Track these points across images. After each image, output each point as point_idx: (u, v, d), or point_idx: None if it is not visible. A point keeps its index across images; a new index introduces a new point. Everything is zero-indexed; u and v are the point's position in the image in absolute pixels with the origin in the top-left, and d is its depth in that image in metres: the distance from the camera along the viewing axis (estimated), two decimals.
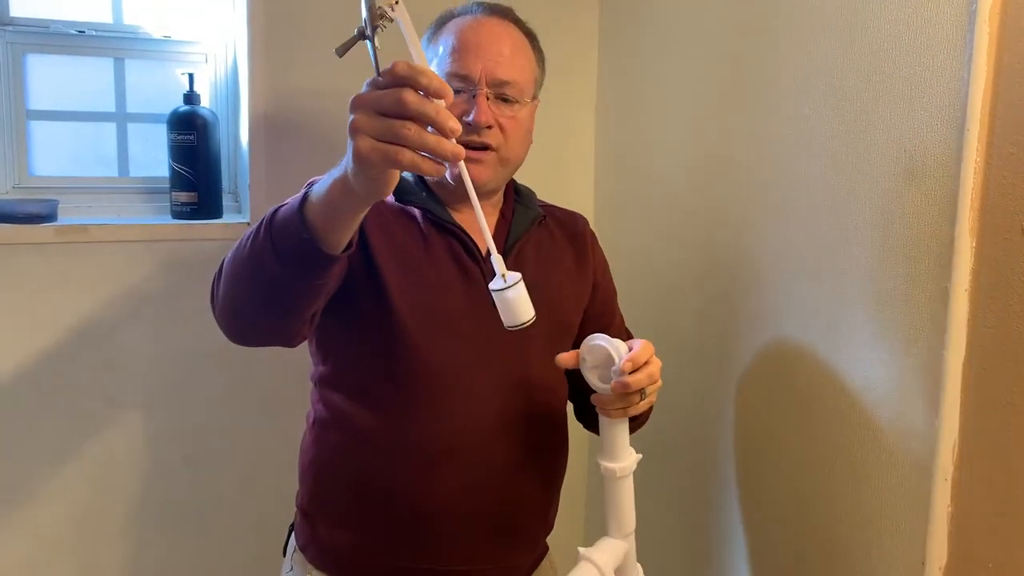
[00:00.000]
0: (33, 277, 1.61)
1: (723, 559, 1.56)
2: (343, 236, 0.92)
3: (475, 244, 1.20)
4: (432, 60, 1.19)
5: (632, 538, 1.18)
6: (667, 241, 1.71)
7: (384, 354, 1.15)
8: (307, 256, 0.91)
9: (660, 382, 1.11)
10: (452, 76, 1.16)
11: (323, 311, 1.09)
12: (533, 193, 1.35)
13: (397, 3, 0.82)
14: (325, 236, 0.90)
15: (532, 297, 1.07)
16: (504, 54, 1.18)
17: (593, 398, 1.09)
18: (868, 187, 1.20)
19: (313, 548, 1.22)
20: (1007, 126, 1.02)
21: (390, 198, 1.20)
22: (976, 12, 1.03)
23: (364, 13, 0.81)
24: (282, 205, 0.95)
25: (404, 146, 0.77)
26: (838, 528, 1.27)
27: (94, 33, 1.72)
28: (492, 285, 0.92)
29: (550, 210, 1.35)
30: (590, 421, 1.31)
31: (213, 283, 1.05)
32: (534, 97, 1.25)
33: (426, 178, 1.24)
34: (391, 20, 0.81)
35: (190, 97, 1.73)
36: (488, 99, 1.16)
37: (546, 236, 1.31)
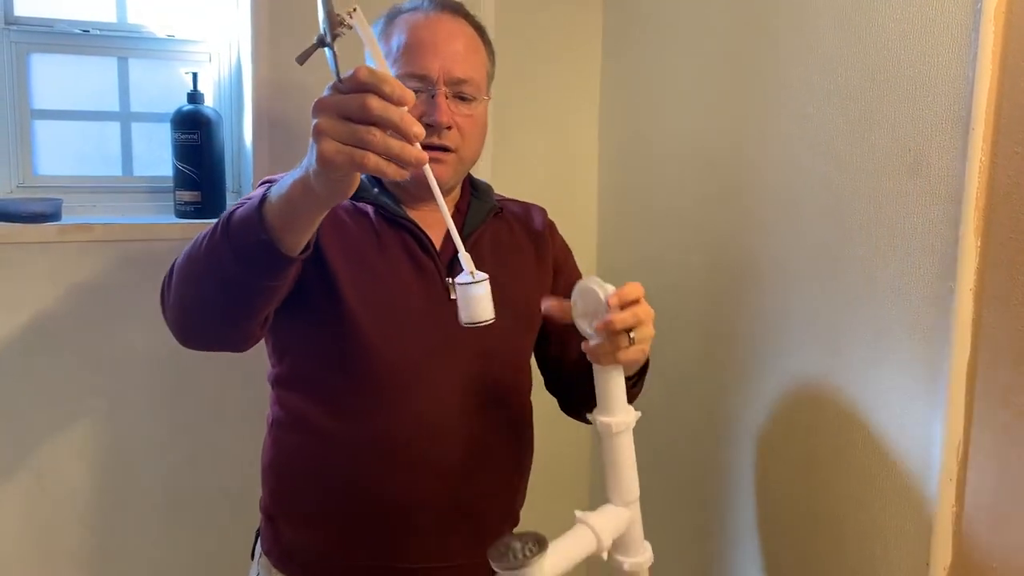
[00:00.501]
0: (37, 276, 1.61)
1: (727, 559, 1.56)
2: (302, 237, 0.92)
3: (429, 239, 1.19)
4: (386, 55, 1.17)
5: (636, 507, 1.12)
6: (670, 240, 1.71)
7: (338, 352, 1.14)
8: (264, 256, 0.91)
9: (652, 331, 1.05)
10: (408, 76, 1.14)
11: (277, 311, 1.08)
12: (490, 187, 1.33)
13: (355, 10, 0.83)
14: (283, 237, 0.90)
15: (493, 297, 1.08)
16: (459, 51, 1.17)
17: (584, 346, 1.04)
18: (872, 186, 1.20)
19: (277, 551, 1.21)
20: (1012, 125, 1.01)
21: None
22: (981, 11, 1.02)
23: (322, 20, 0.82)
24: (239, 205, 0.95)
25: (368, 150, 0.79)
26: (842, 529, 1.27)
27: (98, 32, 1.72)
28: (458, 279, 0.91)
29: (507, 204, 1.34)
30: (575, 408, 1.29)
31: (164, 284, 1.05)
32: (488, 92, 1.25)
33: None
34: (349, 27, 0.82)
35: (194, 96, 1.73)
36: (447, 98, 1.15)
37: (504, 228, 1.29)
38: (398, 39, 1.17)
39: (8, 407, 1.62)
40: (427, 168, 0.86)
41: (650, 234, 1.78)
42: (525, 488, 1.32)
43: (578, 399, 1.20)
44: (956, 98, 1.06)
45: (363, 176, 1.22)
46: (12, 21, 1.66)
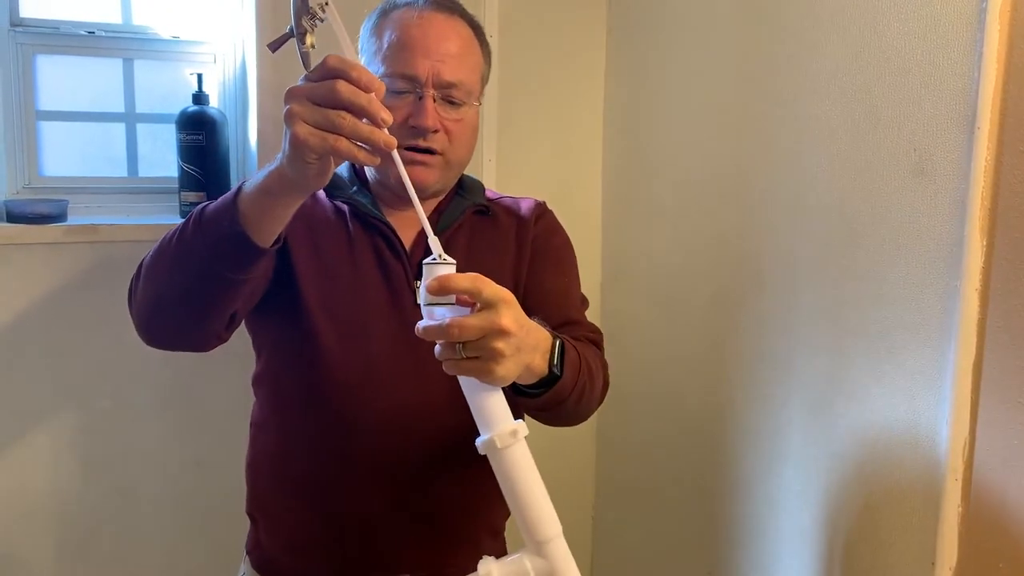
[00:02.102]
0: (43, 277, 1.61)
1: (730, 559, 1.56)
2: (274, 227, 0.93)
3: (400, 242, 1.16)
4: (375, 55, 1.15)
5: (556, 547, 0.88)
6: (675, 240, 1.71)
7: (298, 354, 1.12)
8: (236, 247, 0.92)
9: (492, 352, 0.83)
10: (397, 76, 1.11)
11: (251, 309, 1.09)
12: (479, 185, 1.28)
13: (327, 4, 0.85)
14: (257, 226, 0.91)
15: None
16: (452, 53, 1.13)
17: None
18: (877, 186, 1.20)
19: (257, 552, 1.21)
20: (1017, 124, 1.01)
21: (322, 194, 1.18)
22: (986, 11, 1.02)
23: (294, 12, 0.85)
24: (207, 204, 0.96)
25: (339, 134, 0.80)
26: (848, 528, 1.27)
27: (103, 34, 1.72)
28: (426, 260, 0.86)
29: (500, 200, 1.28)
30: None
31: (131, 283, 1.05)
32: (480, 96, 1.21)
33: (367, 175, 1.21)
34: (321, 20, 0.85)
35: (199, 97, 1.73)
36: (435, 101, 1.12)
37: (487, 227, 1.23)
38: (389, 36, 1.14)
39: (11, 406, 1.63)
40: (395, 153, 0.85)
41: (654, 234, 1.78)
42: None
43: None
44: (961, 98, 1.06)
45: (343, 173, 1.21)
46: (18, 23, 1.66)
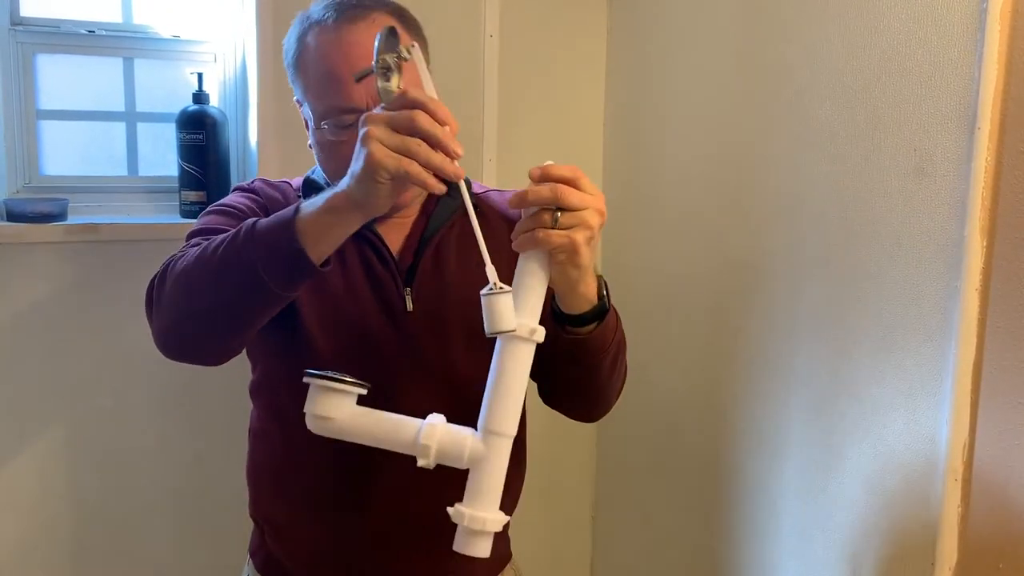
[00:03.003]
0: (44, 276, 1.62)
1: (731, 559, 1.56)
2: (330, 247, 0.94)
3: (387, 248, 1.14)
4: (306, 92, 1.11)
5: (500, 443, 0.91)
6: (676, 240, 1.71)
7: (296, 366, 1.09)
8: (292, 262, 0.92)
9: (591, 221, 0.91)
10: (336, 111, 1.06)
11: None
12: (467, 182, 1.26)
13: (414, 46, 0.90)
14: (314, 244, 0.92)
15: (451, 293, 1.07)
16: None
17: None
18: (877, 186, 1.20)
19: (260, 555, 1.21)
20: (1018, 124, 1.01)
21: (302, 200, 1.17)
22: (987, 10, 1.02)
23: (376, 50, 0.89)
24: (257, 220, 0.95)
25: (413, 159, 0.84)
26: (848, 528, 1.27)
27: (104, 33, 1.72)
28: (482, 291, 0.90)
29: (488, 195, 1.24)
30: (556, 398, 1.19)
31: (152, 289, 1.02)
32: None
33: None
34: (405, 59, 0.90)
35: (199, 96, 1.73)
36: None
37: (479, 224, 1.22)
38: (313, 69, 1.08)
39: (13, 405, 1.63)
40: (462, 184, 0.89)
41: (655, 233, 1.78)
42: (514, 494, 1.24)
43: (554, 385, 1.12)
44: (962, 98, 1.06)
45: (322, 181, 1.17)
46: (18, 22, 1.66)
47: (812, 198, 1.33)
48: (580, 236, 0.91)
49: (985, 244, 1.05)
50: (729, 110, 1.54)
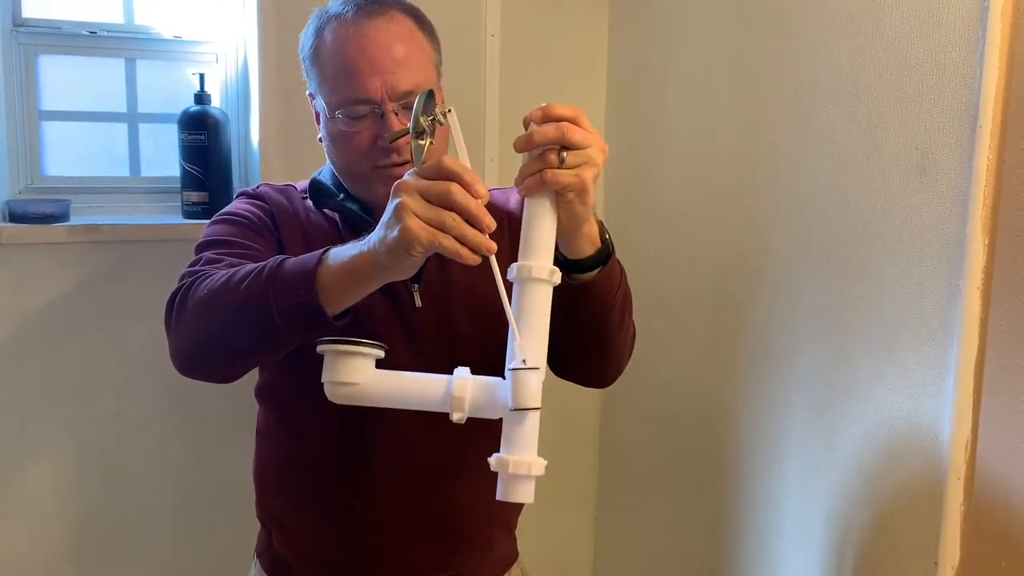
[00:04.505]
0: (46, 276, 1.62)
1: (733, 559, 1.56)
2: (349, 303, 0.94)
3: None
4: (321, 84, 1.11)
5: (527, 375, 0.88)
6: (677, 239, 1.71)
7: (303, 365, 1.09)
8: (307, 316, 0.92)
9: (596, 158, 0.93)
10: (351, 102, 1.08)
11: None
12: None
13: (450, 111, 0.90)
14: (333, 300, 0.92)
15: (458, 290, 1.05)
16: (399, 60, 1.08)
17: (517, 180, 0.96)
18: (879, 185, 1.20)
19: (268, 555, 1.21)
20: (1019, 122, 1.01)
21: (310, 203, 1.17)
22: (988, 8, 1.02)
23: (415, 112, 0.89)
24: (286, 259, 0.95)
25: (446, 232, 0.84)
26: (850, 528, 1.27)
27: (106, 34, 1.73)
28: (510, 367, 0.89)
29: (491, 193, 1.23)
30: (568, 361, 1.15)
31: (174, 301, 1.02)
32: (440, 83, 1.17)
33: (346, 186, 1.17)
34: (441, 123, 0.91)
35: (201, 97, 1.73)
36: (396, 114, 1.08)
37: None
38: (330, 61, 1.10)
39: (15, 406, 1.63)
40: (493, 259, 0.88)
41: (656, 232, 1.78)
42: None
43: (565, 347, 1.08)
44: (963, 96, 1.06)
45: (327, 180, 1.19)
46: (20, 23, 1.66)
47: (813, 197, 1.33)
48: (588, 174, 0.92)
49: (987, 242, 1.05)
50: (730, 110, 1.53)
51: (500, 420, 1.04)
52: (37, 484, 1.66)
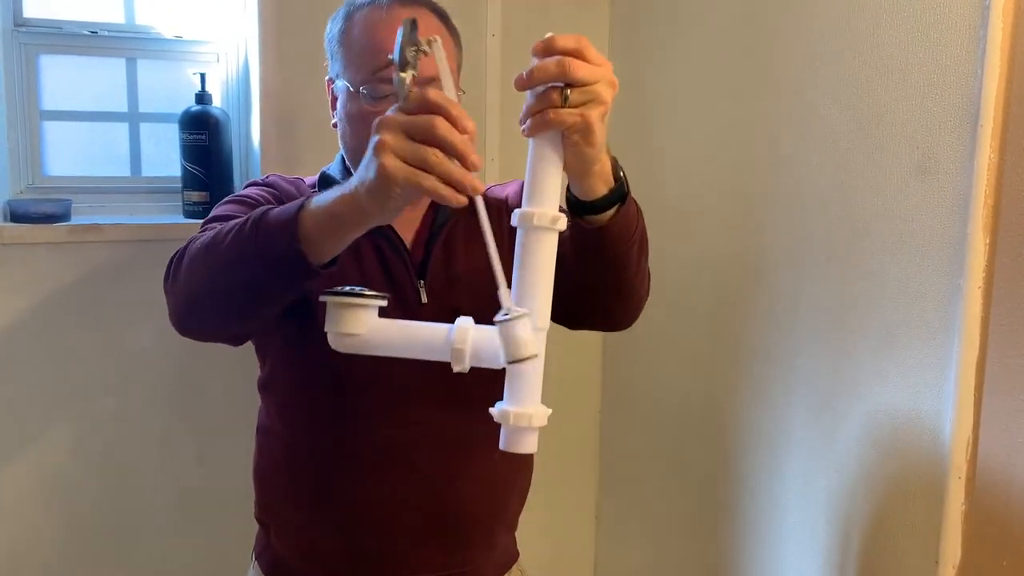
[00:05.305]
0: (47, 276, 1.62)
1: (733, 557, 1.56)
2: (335, 250, 0.91)
3: (401, 241, 1.14)
4: (348, 62, 1.12)
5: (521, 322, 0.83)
6: (678, 239, 1.71)
7: (305, 362, 1.10)
8: (291, 264, 0.90)
9: (603, 96, 0.86)
10: (378, 80, 1.07)
11: None
12: None
13: (436, 40, 0.83)
14: (317, 247, 0.89)
15: (461, 285, 1.03)
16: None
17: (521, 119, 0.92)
18: (880, 184, 1.20)
19: (267, 556, 1.21)
20: (1021, 122, 1.01)
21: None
22: (989, 7, 1.02)
23: (399, 43, 0.83)
24: (270, 208, 0.93)
25: (429, 171, 0.78)
26: (852, 527, 1.27)
27: (107, 34, 1.73)
28: (496, 319, 0.85)
29: (492, 189, 1.25)
30: (585, 307, 1.12)
31: (171, 265, 1.01)
32: (459, 84, 1.17)
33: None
34: (426, 53, 0.84)
35: (202, 97, 1.73)
36: None
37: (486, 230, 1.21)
38: (360, 40, 1.11)
39: (16, 405, 1.63)
40: (479, 199, 0.83)
41: (656, 232, 1.77)
42: (522, 492, 1.26)
43: (581, 295, 1.05)
44: (965, 95, 1.06)
45: (335, 173, 1.19)
46: (21, 23, 1.66)
47: (814, 196, 1.33)
48: (594, 113, 0.86)
49: (988, 242, 1.05)
50: (731, 109, 1.53)
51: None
52: (37, 484, 1.66)
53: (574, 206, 0.96)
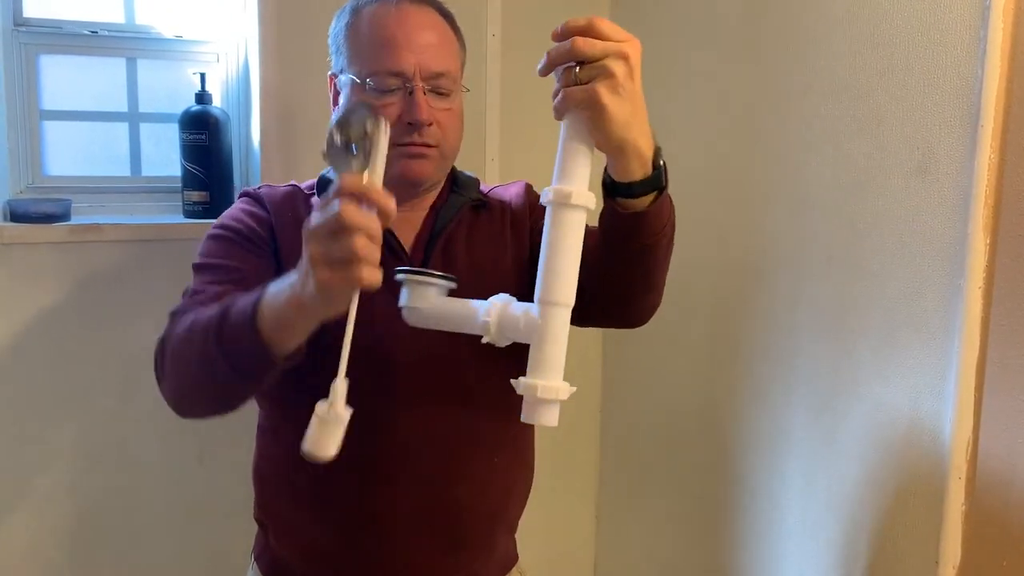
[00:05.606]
0: (47, 276, 1.62)
1: (733, 557, 1.56)
2: (295, 344, 0.93)
3: (400, 243, 1.15)
4: (354, 55, 1.13)
5: (555, 312, 0.88)
6: (678, 239, 1.70)
7: (307, 362, 1.09)
8: (255, 361, 0.92)
9: (615, 69, 0.87)
10: (383, 73, 1.09)
11: None
12: (475, 181, 1.25)
13: (380, 123, 0.86)
14: (276, 345, 0.91)
15: (461, 289, 1.02)
16: (432, 43, 1.11)
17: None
18: (880, 184, 1.20)
19: (266, 558, 1.21)
20: (1021, 122, 1.01)
21: (315, 199, 1.17)
22: (990, 8, 1.02)
23: (350, 119, 0.86)
24: (230, 308, 0.95)
25: (359, 264, 0.80)
26: (852, 527, 1.27)
27: (107, 33, 1.73)
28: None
29: (494, 192, 1.26)
30: (606, 297, 1.10)
31: (157, 355, 1.05)
32: (462, 83, 1.19)
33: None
34: (367, 135, 0.85)
35: (202, 96, 1.73)
36: (424, 93, 1.10)
37: (484, 220, 1.21)
38: (366, 34, 1.12)
39: (16, 405, 1.63)
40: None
41: None
42: (522, 494, 1.26)
43: (603, 284, 1.04)
44: (965, 96, 1.06)
45: (331, 174, 1.19)
46: (21, 23, 1.66)
47: (815, 196, 1.33)
48: (601, 86, 0.86)
49: (988, 242, 1.05)
50: (731, 109, 1.53)
51: (501, 419, 1.05)
52: (37, 484, 1.66)
53: (610, 188, 0.97)
